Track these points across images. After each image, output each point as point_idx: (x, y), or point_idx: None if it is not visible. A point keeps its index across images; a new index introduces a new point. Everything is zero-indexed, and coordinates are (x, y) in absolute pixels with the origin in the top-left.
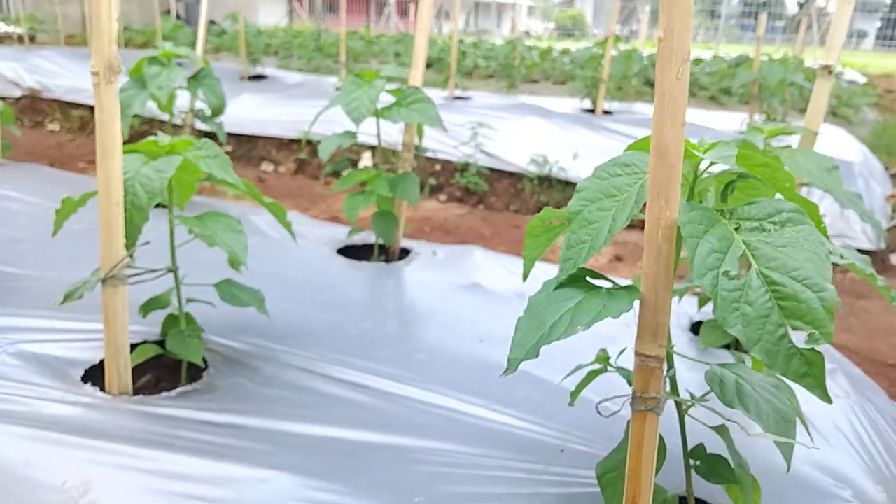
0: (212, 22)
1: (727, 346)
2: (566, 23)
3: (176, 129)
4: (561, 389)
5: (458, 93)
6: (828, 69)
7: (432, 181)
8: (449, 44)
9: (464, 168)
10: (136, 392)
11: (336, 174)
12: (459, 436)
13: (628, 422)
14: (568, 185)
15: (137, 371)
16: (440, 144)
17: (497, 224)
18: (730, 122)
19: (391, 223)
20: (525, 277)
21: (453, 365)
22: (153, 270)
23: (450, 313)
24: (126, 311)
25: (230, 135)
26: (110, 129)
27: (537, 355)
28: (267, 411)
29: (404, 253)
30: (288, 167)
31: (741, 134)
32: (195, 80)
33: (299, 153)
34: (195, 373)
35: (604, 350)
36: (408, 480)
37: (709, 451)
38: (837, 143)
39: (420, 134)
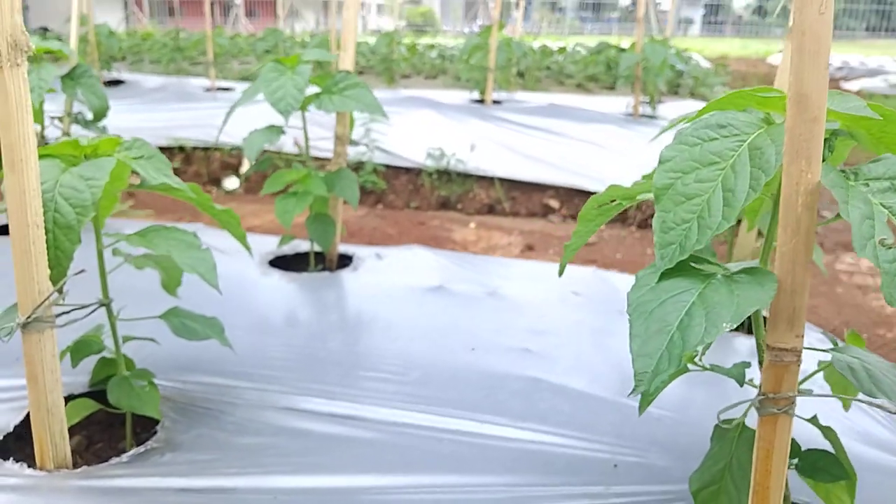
0: (44, 29)
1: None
2: (417, 20)
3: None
4: (583, 395)
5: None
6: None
7: None
8: (308, 42)
9: (358, 166)
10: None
11: (216, 182)
12: (493, 465)
13: (716, 427)
14: (468, 178)
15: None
16: (327, 143)
17: (401, 222)
18: (611, 105)
19: (329, 227)
20: (562, 271)
21: (454, 380)
22: (83, 306)
23: (424, 321)
24: (57, 360)
25: None
26: (21, 129)
27: (679, 364)
28: (254, 465)
29: (344, 259)
30: None
31: (629, 115)
32: (71, 80)
33: (172, 162)
34: (142, 428)
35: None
36: None
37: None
38: None
39: (351, 125)
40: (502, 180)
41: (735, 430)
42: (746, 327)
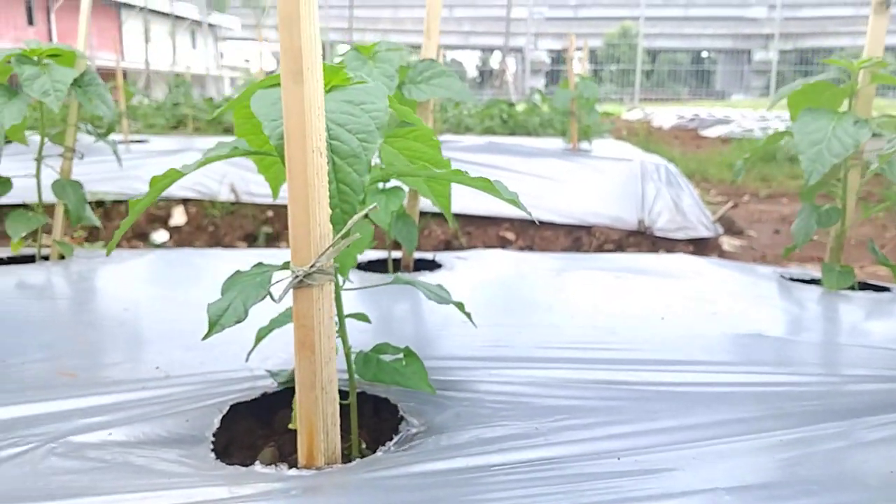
0: None
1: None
2: None
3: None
4: (812, 343)
5: None
6: (883, 4)
7: (266, 229)
8: (203, 102)
9: None
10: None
11: (143, 236)
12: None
13: None
14: (422, 216)
15: (246, 435)
16: (265, 188)
17: None
18: (542, 143)
19: (412, 228)
20: None
21: (677, 342)
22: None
23: (582, 300)
24: (333, 324)
25: None
26: (310, 29)
27: None
28: (537, 434)
29: (425, 264)
30: (77, 235)
31: (568, 150)
32: (79, 87)
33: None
34: (368, 419)
35: None
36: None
37: None
38: (634, 151)
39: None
40: (457, 216)
41: None
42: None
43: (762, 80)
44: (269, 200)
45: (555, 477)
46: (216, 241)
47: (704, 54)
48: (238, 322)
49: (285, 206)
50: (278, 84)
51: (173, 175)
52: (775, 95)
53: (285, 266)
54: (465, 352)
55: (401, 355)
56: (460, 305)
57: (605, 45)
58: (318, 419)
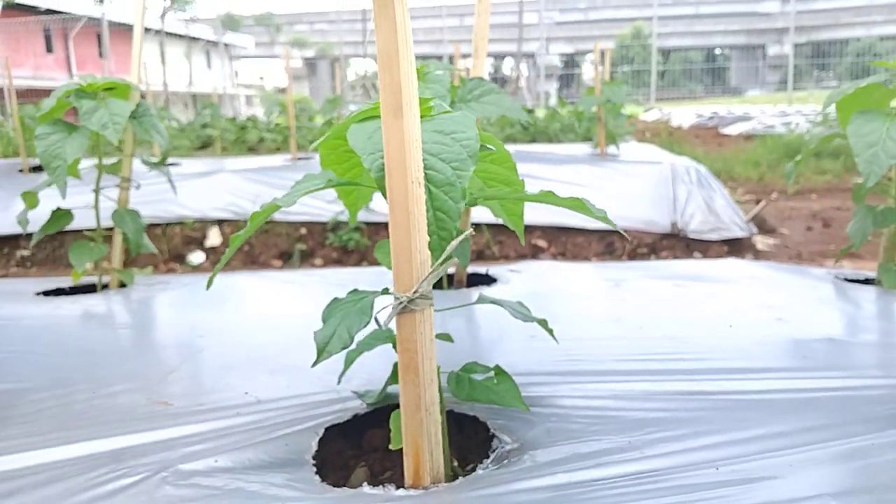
0: None
1: None
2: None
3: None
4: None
5: (300, 155)
6: None
7: (301, 246)
8: (226, 122)
9: (336, 226)
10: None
11: (179, 258)
12: None
13: None
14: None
15: (337, 456)
16: (302, 206)
17: None
18: (568, 149)
19: (465, 243)
20: None
21: (758, 348)
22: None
23: (650, 310)
24: (435, 347)
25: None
26: (407, 66)
27: None
28: (631, 448)
29: (478, 278)
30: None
31: (596, 155)
32: (135, 118)
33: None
34: (454, 436)
35: None
36: None
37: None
38: (662, 154)
39: None
40: (488, 225)
41: None
42: None
43: (777, 74)
44: (302, 218)
45: (658, 489)
46: (251, 260)
47: (718, 51)
48: (344, 348)
49: (317, 223)
50: (370, 118)
51: (272, 208)
52: (825, 100)
53: (385, 292)
54: (543, 367)
55: (491, 373)
56: (543, 322)
57: (618, 46)
58: (423, 440)
